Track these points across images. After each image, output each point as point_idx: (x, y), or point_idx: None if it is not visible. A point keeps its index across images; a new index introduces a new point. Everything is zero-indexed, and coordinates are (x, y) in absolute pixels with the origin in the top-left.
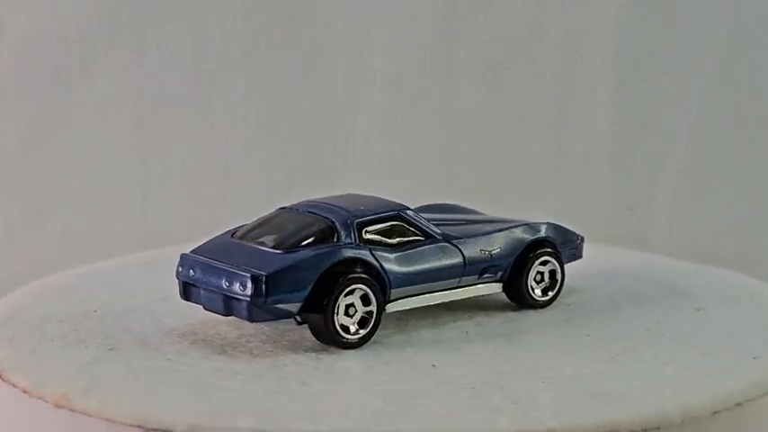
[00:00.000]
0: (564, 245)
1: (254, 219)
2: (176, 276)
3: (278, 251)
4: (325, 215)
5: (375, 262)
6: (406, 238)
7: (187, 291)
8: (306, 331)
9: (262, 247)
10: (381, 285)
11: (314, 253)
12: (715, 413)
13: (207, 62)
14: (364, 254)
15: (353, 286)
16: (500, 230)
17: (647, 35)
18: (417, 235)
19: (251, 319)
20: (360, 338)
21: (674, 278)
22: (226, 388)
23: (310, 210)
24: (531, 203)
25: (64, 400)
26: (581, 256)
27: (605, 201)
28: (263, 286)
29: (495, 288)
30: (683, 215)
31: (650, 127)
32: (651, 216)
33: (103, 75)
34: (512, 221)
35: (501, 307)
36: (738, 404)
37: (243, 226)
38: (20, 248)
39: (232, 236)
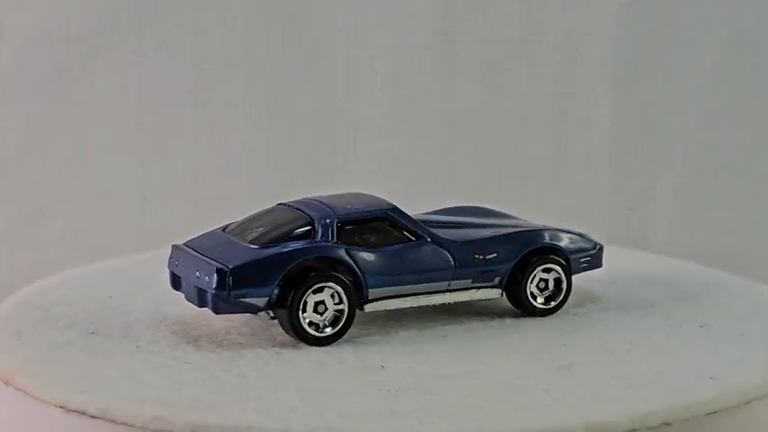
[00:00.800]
0: (576, 253)
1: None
2: (167, 266)
3: (254, 246)
4: (309, 212)
5: (350, 261)
6: (391, 239)
7: (175, 281)
8: None
9: (241, 242)
10: (356, 284)
11: (284, 249)
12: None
13: (207, 62)
14: (339, 252)
15: (323, 284)
16: (501, 235)
17: (647, 35)
18: (404, 236)
19: (216, 311)
20: (327, 336)
21: (686, 284)
22: (164, 376)
23: (299, 207)
24: (531, 203)
25: (10, 380)
26: (600, 265)
27: (605, 201)
28: (228, 279)
29: (494, 293)
30: (683, 215)
31: (650, 127)
32: (651, 216)
33: (103, 75)
34: (521, 226)
35: (501, 313)
36: (666, 424)
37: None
38: (20, 248)
39: (223, 230)
